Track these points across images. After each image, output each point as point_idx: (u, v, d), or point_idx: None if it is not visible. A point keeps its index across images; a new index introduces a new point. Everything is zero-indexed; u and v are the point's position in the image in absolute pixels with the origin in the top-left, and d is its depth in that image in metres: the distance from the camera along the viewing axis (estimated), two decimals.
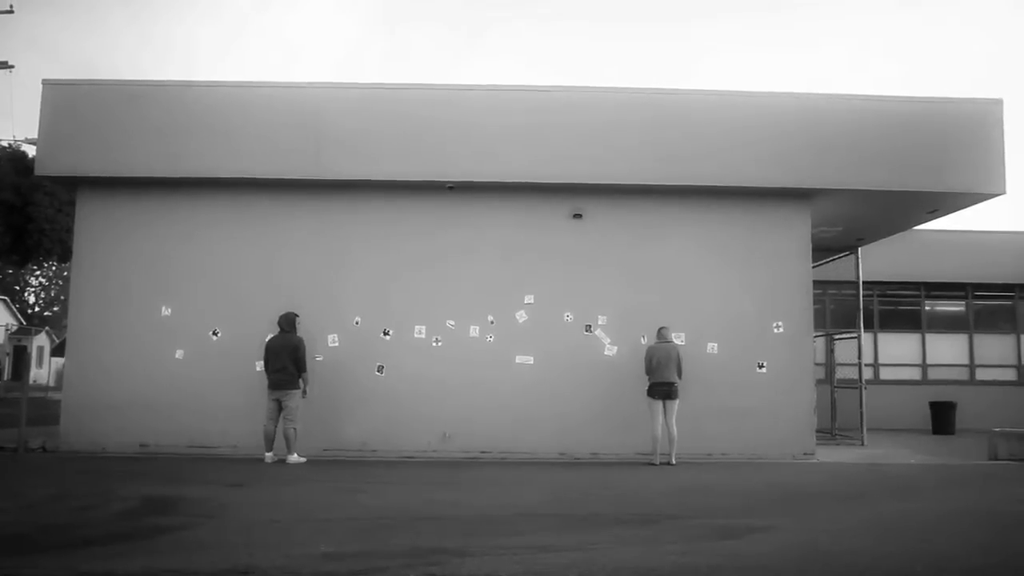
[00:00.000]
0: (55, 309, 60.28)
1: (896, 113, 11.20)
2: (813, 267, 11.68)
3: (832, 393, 14.64)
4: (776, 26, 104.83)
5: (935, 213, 12.49)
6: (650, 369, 10.29)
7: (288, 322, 10.17)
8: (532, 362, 10.99)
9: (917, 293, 18.11)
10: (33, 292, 61.33)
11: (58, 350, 40.66)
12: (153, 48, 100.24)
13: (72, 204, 11.87)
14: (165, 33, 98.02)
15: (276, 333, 10.17)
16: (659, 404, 10.26)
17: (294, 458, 9.86)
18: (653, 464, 10.19)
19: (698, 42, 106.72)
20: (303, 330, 10.46)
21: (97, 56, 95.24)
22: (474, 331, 11.03)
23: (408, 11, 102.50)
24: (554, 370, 10.95)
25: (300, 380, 10.01)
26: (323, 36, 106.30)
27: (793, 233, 11.35)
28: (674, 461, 10.20)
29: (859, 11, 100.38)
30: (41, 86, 11.02)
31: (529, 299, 11.10)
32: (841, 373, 14.95)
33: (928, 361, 17.83)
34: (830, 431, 14.15)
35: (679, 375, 10.30)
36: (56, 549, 5.19)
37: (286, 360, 9.93)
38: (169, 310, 10.99)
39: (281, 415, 9.96)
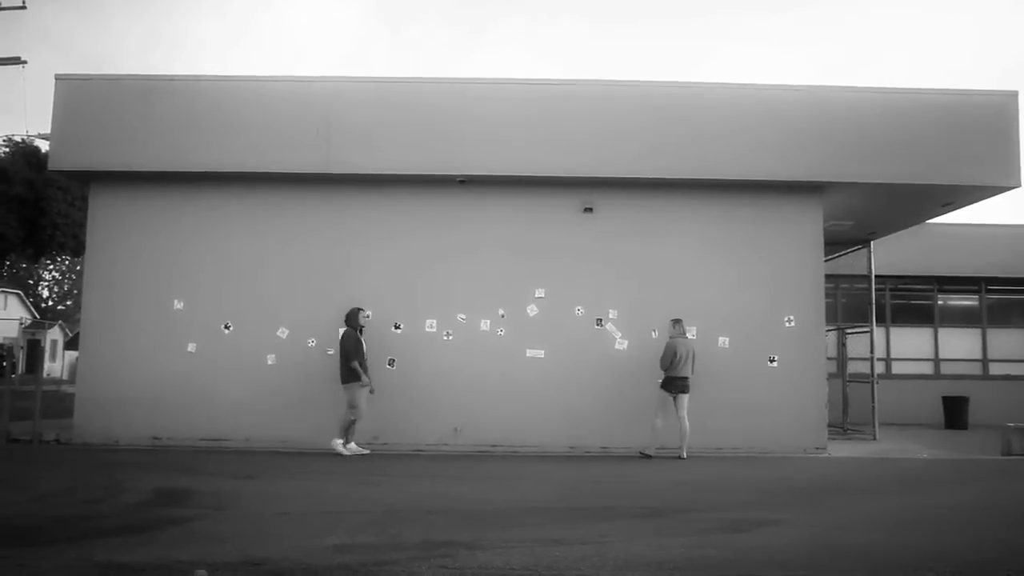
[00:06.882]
0: (68, 303, 60.71)
1: (909, 105, 11.10)
2: (825, 261, 11.62)
3: (844, 387, 14.54)
4: (784, 21, 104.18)
5: (950, 206, 12.39)
6: (673, 364, 10.24)
7: (347, 317, 10.34)
8: (543, 356, 10.99)
9: (930, 287, 17.99)
10: (46, 286, 61.79)
11: (72, 343, 41.01)
12: (160, 43, 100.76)
13: (85, 199, 11.94)
14: (172, 28, 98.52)
15: None
16: (671, 398, 10.26)
17: (336, 442, 10.05)
18: (648, 456, 10.16)
19: (705, 38, 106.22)
20: (315, 325, 10.56)
21: (105, 51, 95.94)
22: (485, 325, 11.03)
23: (409, 8, 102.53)
24: (565, 364, 10.94)
25: (351, 373, 10.05)
26: (326, 32, 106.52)
27: (804, 227, 11.28)
28: (685, 455, 10.18)
29: (870, 5, 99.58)
30: (54, 81, 11.07)
31: (540, 293, 11.08)
32: (853, 367, 14.87)
33: (941, 356, 17.72)
34: (842, 426, 14.08)
35: (692, 370, 10.31)
36: (70, 540, 5.24)
37: (339, 355, 10.15)
38: (181, 304, 11.05)
39: None
